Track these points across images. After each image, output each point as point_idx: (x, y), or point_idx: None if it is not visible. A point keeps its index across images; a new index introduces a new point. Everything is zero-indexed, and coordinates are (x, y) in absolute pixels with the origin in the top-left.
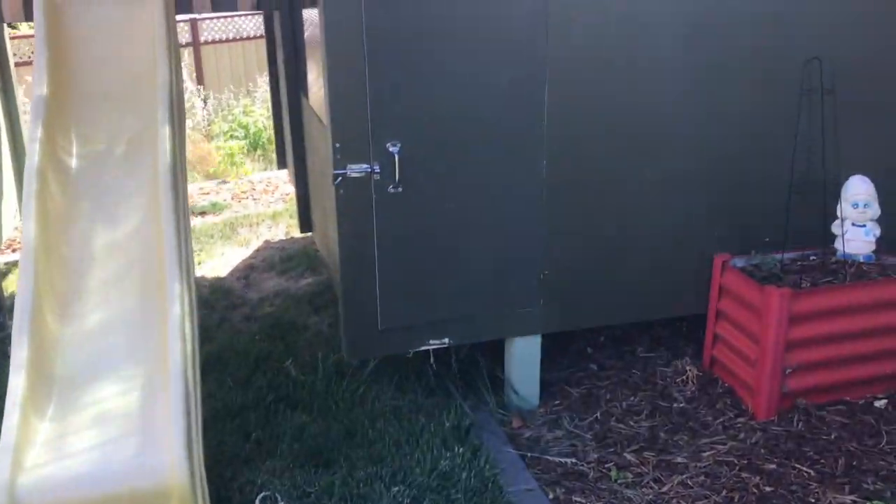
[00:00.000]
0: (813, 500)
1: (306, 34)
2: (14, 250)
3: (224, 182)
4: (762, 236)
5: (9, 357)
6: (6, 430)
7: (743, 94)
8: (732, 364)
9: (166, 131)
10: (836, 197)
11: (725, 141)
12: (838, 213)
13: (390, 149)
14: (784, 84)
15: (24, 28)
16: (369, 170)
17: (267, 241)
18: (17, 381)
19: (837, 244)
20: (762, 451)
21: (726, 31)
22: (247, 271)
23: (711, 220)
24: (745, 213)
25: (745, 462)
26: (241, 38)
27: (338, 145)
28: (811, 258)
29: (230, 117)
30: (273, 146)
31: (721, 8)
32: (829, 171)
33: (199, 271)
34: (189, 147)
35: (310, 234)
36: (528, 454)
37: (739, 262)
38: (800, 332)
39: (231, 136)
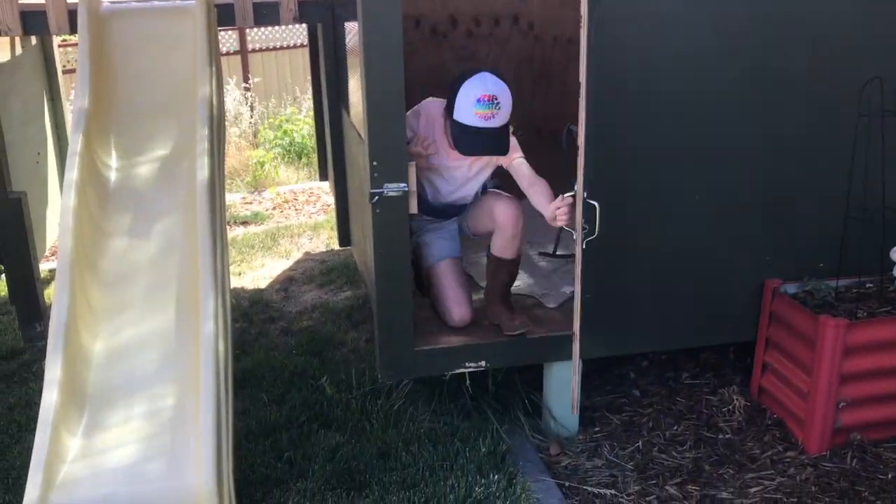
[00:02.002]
0: None
1: (348, 48)
2: None
3: (263, 190)
4: (816, 262)
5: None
6: (38, 446)
7: (799, 115)
8: (782, 395)
9: (205, 147)
10: None
11: (779, 163)
12: None
13: None
14: (842, 105)
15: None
16: (407, 189)
17: (307, 253)
18: (50, 398)
19: None
20: (813, 488)
21: (782, 52)
22: (286, 283)
23: (762, 244)
24: (799, 238)
25: (795, 500)
26: (290, 47)
27: (375, 163)
28: (868, 286)
29: (276, 125)
30: (316, 156)
31: (776, 29)
32: (888, 195)
33: (240, 282)
34: (235, 154)
35: (349, 247)
36: (566, 483)
37: (791, 288)
38: (855, 364)
39: (276, 145)
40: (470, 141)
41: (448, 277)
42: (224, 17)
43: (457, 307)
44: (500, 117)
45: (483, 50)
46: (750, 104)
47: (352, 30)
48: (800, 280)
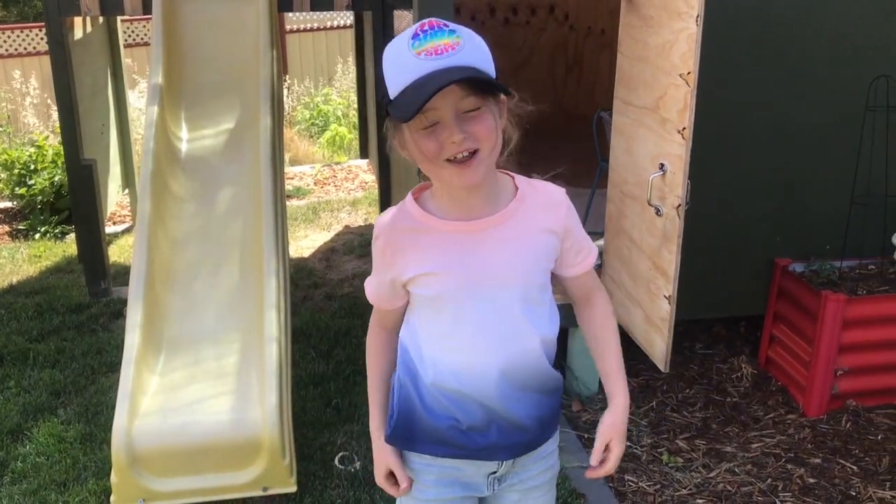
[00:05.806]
0: (854, 493)
1: (398, 33)
2: (115, 222)
3: (301, 166)
4: (823, 244)
5: (115, 319)
6: (123, 381)
7: (811, 106)
8: (787, 364)
9: (267, 122)
10: None
11: (791, 150)
12: None
13: None
14: (851, 99)
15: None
16: None
17: (347, 226)
18: (133, 340)
19: None
20: (809, 445)
21: (801, 44)
22: (328, 253)
23: (774, 225)
24: (808, 221)
25: (792, 455)
26: (326, 28)
27: None
28: (870, 267)
29: (311, 105)
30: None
31: (796, 25)
32: (890, 184)
33: None
34: None
35: None
36: (585, 435)
37: (799, 267)
38: (853, 336)
39: (312, 125)
40: (411, 96)
41: None
42: (282, 2)
43: None
44: (465, 51)
45: (519, 37)
46: (765, 92)
47: (400, 17)
48: (807, 260)
